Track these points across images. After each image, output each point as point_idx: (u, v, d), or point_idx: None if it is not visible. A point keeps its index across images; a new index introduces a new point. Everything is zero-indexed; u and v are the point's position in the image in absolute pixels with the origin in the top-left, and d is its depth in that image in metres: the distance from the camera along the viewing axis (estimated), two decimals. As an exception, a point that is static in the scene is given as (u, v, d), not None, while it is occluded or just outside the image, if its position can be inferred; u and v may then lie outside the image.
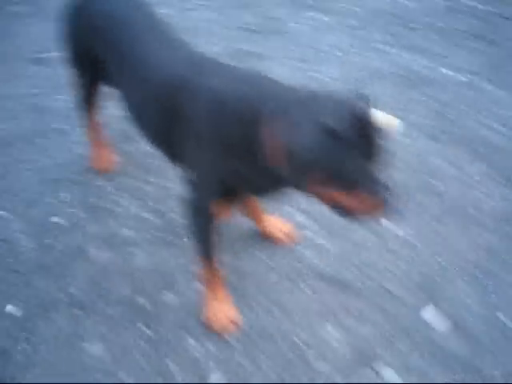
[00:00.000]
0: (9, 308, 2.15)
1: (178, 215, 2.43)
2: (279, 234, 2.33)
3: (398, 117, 2.62)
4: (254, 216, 2.30)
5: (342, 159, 1.50)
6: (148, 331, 2.06)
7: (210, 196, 1.88)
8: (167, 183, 2.58)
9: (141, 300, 2.16)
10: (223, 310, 2.07)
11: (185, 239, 2.34)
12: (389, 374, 1.91)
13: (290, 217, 2.40)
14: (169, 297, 2.16)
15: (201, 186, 1.89)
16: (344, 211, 1.61)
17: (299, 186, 1.66)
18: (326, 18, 3.44)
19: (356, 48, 3.19)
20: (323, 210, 2.26)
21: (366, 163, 1.53)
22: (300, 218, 2.41)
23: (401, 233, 2.34)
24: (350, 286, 2.17)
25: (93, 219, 2.46)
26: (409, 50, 3.20)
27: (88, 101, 2.49)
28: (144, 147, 2.70)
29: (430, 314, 2.07)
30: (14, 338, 2.06)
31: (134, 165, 2.69)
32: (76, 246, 2.36)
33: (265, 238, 2.33)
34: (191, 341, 2.03)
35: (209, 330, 2.04)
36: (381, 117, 2.47)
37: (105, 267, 2.28)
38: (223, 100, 1.72)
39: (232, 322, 2.05)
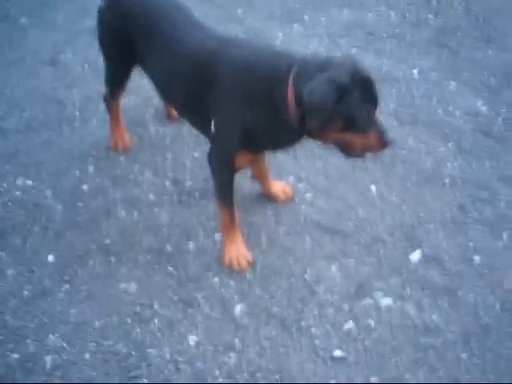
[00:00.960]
0: (50, 257, 2.43)
1: (195, 183, 2.75)
2: (280, 194, 2.66)
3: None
4: (261, 179, 2.65)
5: (355, 108, 1.95)
6: (176, 272, 2.36)
7: (233, 148, 2.23)
8: (183, 158, 2.89)
9: (168, 248, 2.45)
10: (240, 252, 2.39)
11: (203, 201, 2.65)
12: (386, 301, 2.25)
13: (292, 184, 2.74)
14: (193, 245, 2.47)
15: (226, 140, 2.24)
16: (355, 152, 2.07)
17: (317, 136, 2.09)
18: (301, 28, 3.88)
19: (329, 51, 3.60)
20: (320, 178, 2.66)
21: (368, 109, 1.99)
22: (300, 185, 2.73)
23: (387, 195, 2.69)
24: (347, 236, 2.50)
25: (118, 186, 2.75)
26: (376, 54, 3.61)
27: (118, 83, 2.81)
28: (156, 131, 3.04)
29: (416, 256, 2.41)
30: (57, 281, 2.35)
31: (150, 145, 2.99)
32: (105, 208, 2.65)
33: (269, 197, 2.67)
34: (215, 279, 2.33)
35: (228, 269, 2.36)
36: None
37: (133, 224, 2.57)
38: (250, 64, 2.13)
39: (247, 261, 2.38)
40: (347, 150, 2.09)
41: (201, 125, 2.41)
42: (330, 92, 1.92)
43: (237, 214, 2.40)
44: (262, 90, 2.09)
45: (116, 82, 2.82)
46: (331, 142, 2.10)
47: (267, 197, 2.67)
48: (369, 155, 2.15)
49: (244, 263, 2.38)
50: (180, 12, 2.48)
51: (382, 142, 2.04)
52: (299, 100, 1.98)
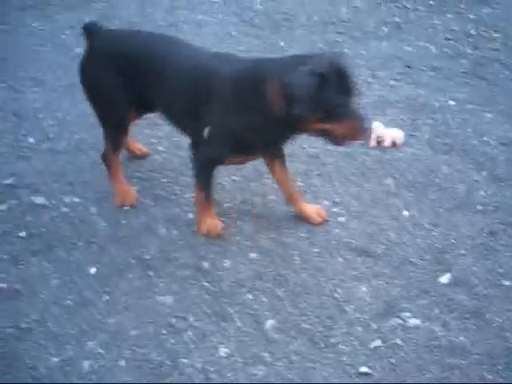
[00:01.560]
0: (92, 270, 2.55)
1: (232, 204, 2.86)
2: (314, 216, 2.75)
3: (406, 133, 3.13)
4: (293, 202, 2.77)
5: (333, 97, 2.18)
6: (211, 287, 2.46)
7: (225, 154, 2.52)
8: (222, 181, 3.01)
9: (205, 265, 2.55)
10: (214, 222, 2.68)
11: (239, 222, 2.76)
12: (414, 321, 2.29)
13: (327, 208, 2.82)
14: (228, 263, 2.56)
15: (219, 146, 2.50)
16: (336, 139, 2.32)
17: (300, 127, 2.33)
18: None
19: (368, 83, 3.71)
20: (354, 202, 2.73)
21: (347, 99, 2.20)
22: (335, 208, 2.82)
23: (418, 220, 2.75)
24: (378, 258, 2.56)
25: (160, 205, 2.87)
26: (413, 85, 3.70)
27: (122, 133, 2.83)
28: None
29: (446, 279, 2.46)
30: (98, 292, 2.46)
31: (189, 166, 3.11)
32: (146, 225, 2.77)
33: (301, 218, 2.78)
34: (249, 295, 2.42)
35: (205, 236, 2.67)
36: (390, 131, 2.99)
37: (172, 241, 2.68)
38: (240, 73, 2.42)
39: (220, 229, 2.68)
40: (330, 139, 2.33)
41: (193, 130, 2.60)
42: (310, 82, 2.14)
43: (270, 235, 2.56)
44: (250, 94, 2.36)
45: (120, 132, 2.82)
46: (314, 131, 2.33)
47: (302, 219, 2.76)
48: (351, 142, 2.47)
49: (217, 230, 2.67)
50: (169, 38, 2.78)
51: (361, 130, 2.27)
52: (283, 93, 2.22)
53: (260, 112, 2.34)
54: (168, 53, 2.64)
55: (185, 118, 2.64)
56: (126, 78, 2.65)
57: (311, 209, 2.77)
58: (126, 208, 2.88)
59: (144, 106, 2.80)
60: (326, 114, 2.20)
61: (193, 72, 2.53)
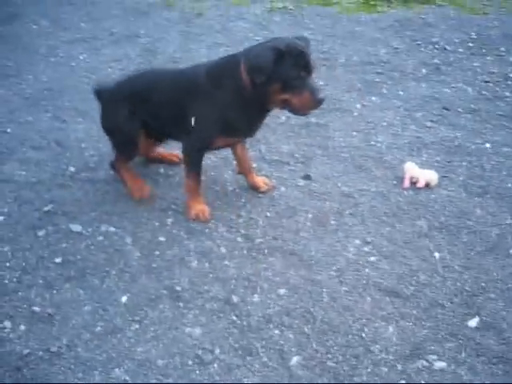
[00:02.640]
0: (123, 298, 2.60)
1: (265, 240, 2.89)
2: (261, 184, 3.23)
3: (441, 175, 3.14)
4: (246, 174, 3.24)
5: (289, 70, 2.55)
6: (239, 322, 2.48)
7: (213, 134, 2.86)
8: (256, 217, 3.06)
9: (234, 299, 2.58)
10: (202, 208, 3.03)
11: (270, 258, 2.79)
12: (440, 364, 2.28)
13: (357, 248, 2.84)
14: (257, 298, 2.59)
15: (206, 128, 2.86)
16: (295, 110, 2.70)
17: (266, 98, 2.69)
18: (379, 101, 4.03)
19: (404, 124, 3.75)
20: (385, 243, 2.75)
21: (303, 74, 2.58)
22: (366, 248, 2.83)
23: (449, 262, 2.74)
24: (407, 299, 2.55)
25: (193, 239, 2.92)
26: (450, 127, 3.71)
27: (134, 150, 3.22)
28: (233, 190, 3.24)
29: (474, 323, 2.44)
30: (128, 320, 2.51)
31: (226, 203, 3.18)
32: (179, 257, 2.82)
33: (253, 188, 3.23)
34: (276, 331, 2.44)
35: (194, 221, 2.99)
36: (425, 172, 3.01)
37: (203, 273, 2.72)
38: (215, 67, 2.86)
39: (208, 214, 3.03)
40: (290, 109, 2.71)
41: (184, 129, 2.93)
42: (267, 54, 2.55)
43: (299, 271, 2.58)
44: (225, 77, 2.76)
45: (132, 149, 3.21)
46: (278, 103, 2.70)
47: (252, 188, 3.24)
48: (308, 112, 2.76)
49: (205, 215, 3.01)
50: (155, 70, 3.44)
51: (315, 100, 2.61)
52: (247, 67, 2.64)
53: (234, 91, 2.73)
54: (154, 80, 3.12)
55: (177, 121, 2.97)
56: (131, 110, 3.07)
57: (260, 179, 3.25)
58: (143, 199, 3.18)
59: (150, 129, 3.14)
60: (283, 85, 2.58)
61: (173, 82, 2.99)
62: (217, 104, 2.78)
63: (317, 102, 2.64)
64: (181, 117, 2.91)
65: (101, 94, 3.28)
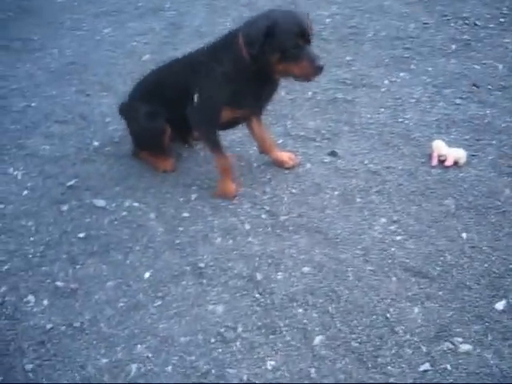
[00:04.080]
0: (147, 274, 2.60)
1: (290, 217, 2.86)
2: (287, 159, 3.20)
3: (469, 153, 3.06)
4: (268, 151, 3.21)
5: (286, 39, 2.56)
6: (263, 299, 2.46)
7: (218, 105, 2.83)
8: (281, 193, 3.02)
9: (258, 276, 2.56)
10: (232, 186, 3.03)
11: (295, 235, 2.76)
12: (466, 347, 2.24)
13: (383, 227, 2.79)
14: (281, 276, 2.56)
15: (211, 101, 2.85)
16: (297, 78, 2.70)
17: (267, 68, 2.68)
18: (407, 77, 3.94)
19: (433, 100, 3.66)
20: (412, 222, 2.70)
21: (301, 43, 2.58)
22: (392, 227, 2.78)
23: (477, 243, 2.68)
24: (433, 280, 2.50)
25: (217, 215, 2.90)
26: (479, 104, 3.61)
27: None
28: (258, 166, 3.20)
29: (502, 306, 2.38)
30: (151, 296, 2.51)
31: (251, 179, 3.14)
32: (203, 234, 2.80)
33: (277, 164, 3.19)
34: (300, 310, 2.41)
35: (220, 197, 3.00)
36: (453, 150, 2.94)
37: (227, 250, 2.70)
38: (213, 43, 2.87)
39: (236, 192, 3.02)
40: (293, 78, 2.71)
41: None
42: (259, 27, 2.58)
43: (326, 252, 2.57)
44: (226, 52, 2.77)
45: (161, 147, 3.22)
46: (280, 72, 2.71)
47: (277, 165, 3.19)
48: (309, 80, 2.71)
49: (232, 193, 3.02)
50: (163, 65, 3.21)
51: (315, 68, 2.61)
52: (244, 40, 2.65)
53: (235, 63, 2.73)
54: (159, 73, 3.16)
55: (185, 101, 2.92)
56: (149, 110, 3.08)
57: (284, 155, 3.22)
58: (167, 173, 3.22)
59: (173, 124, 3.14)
60: (281, 54, 2.59)
61: (179, 66, 3.01)
62: (218, 76, 2.78)
63: (316, 70, 2.63)
64: (187, 94, 2.91)
65: (121, 110, 3.31)
